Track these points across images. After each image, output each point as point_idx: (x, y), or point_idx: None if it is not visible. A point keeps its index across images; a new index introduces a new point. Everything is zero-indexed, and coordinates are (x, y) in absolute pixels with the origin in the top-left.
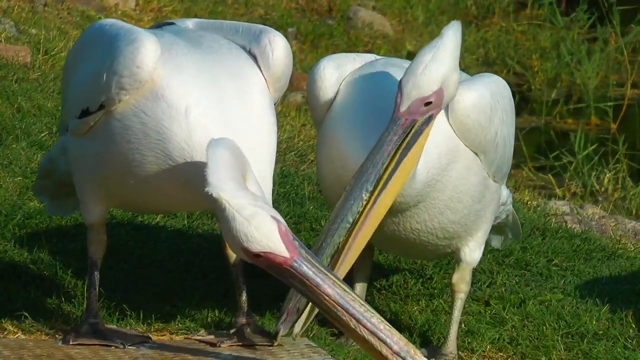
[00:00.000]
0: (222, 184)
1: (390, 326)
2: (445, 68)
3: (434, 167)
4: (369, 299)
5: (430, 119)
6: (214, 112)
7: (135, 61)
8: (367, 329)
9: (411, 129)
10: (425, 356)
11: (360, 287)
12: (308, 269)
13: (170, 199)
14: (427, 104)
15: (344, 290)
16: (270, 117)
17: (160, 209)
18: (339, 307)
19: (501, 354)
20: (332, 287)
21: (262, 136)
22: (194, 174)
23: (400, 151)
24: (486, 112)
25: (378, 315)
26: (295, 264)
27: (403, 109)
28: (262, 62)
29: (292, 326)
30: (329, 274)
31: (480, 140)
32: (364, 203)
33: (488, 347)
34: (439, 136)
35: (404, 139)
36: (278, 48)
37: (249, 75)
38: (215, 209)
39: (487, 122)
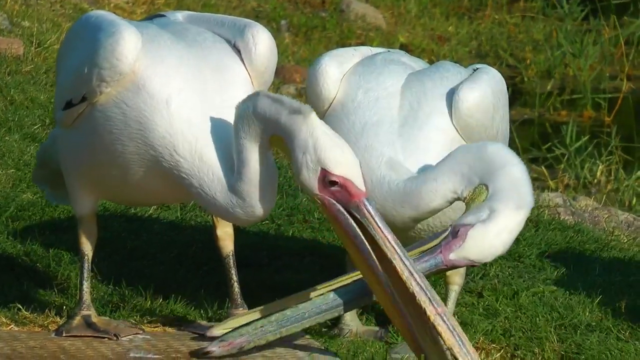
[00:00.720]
0: (308, 110)
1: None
2: (508, 246)
3: None
4: None
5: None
6: (196, 103)
7: (114, 53)
8: (417, 282)
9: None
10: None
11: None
12: (374, 208)
13: (151, 189)
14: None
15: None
16: None
17: (144, 200)
18: (397, 254)
19: (494, 345)
20: (392, 234)
21: None
22: (174, 164)
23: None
24: (489, 111)
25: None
26: (368, 202)
27: (453, 258)
28: (245, 56)
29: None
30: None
31: (483, 138)
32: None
33: (481, 338)
34: (445, 138)
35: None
36: (261, 42)
37: (232, 68)
38: (292, 135)
39: (489, 121)
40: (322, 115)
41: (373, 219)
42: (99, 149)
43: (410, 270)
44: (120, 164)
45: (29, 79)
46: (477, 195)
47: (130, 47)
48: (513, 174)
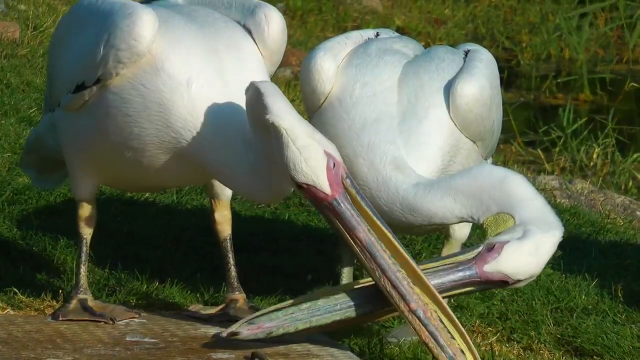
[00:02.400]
0: (282, 113)
1: (413, 286)
2: (541, 268)
3: (439, 168)
4: (358, 275)
5: (481, 288)
6: (216, 83)
7: (132, 34)
8: (391, 282)
9: (470, 284)
10: (440, 320)
11: (348, 264)
12: (346, 209)
13: (164, 172)
14: (503, 281)
15: (377, 239)
16: None
17: (152, 183)
18: (367, 253)
19: (490, 328)
20: (365, 233)
21: None
22: (196, 145)
23: (443, 290)
24: (487, 103)
25: (404, 273)
26: (335, 203)
27: (487, 270)
28: (257, 36)
29: (236, 335)
30: (368, 220)
31: (481, 130)
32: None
33: (477, 322)
34: (443, 132)
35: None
36: (274, 22)
37: (246, 47)
38: (273, 137)
39: (487, 113)
40: (317, 107)
41: (342, 218)
42: (112, 131)
43: (384, 267)
44: (136, 147)
45: (25, 62)
46: (503, 221)
47: (148, 27)
48: (537, 206)
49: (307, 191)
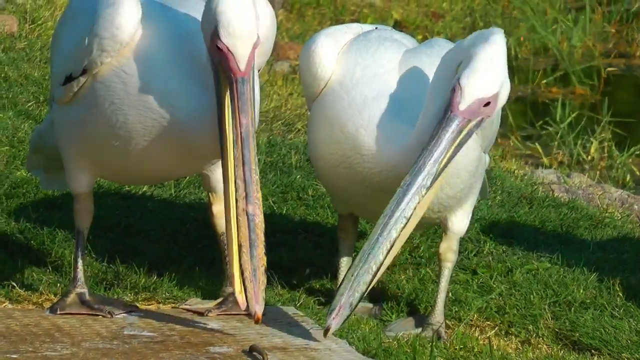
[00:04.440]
0: None
1: (259, 189)
2: (505, 73)
3: None
4: None
5: (481, 122)
6: (197, 71)
7: (114, 23)
8: (242, 174)
9: (465, 129)
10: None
11: (346, 258)
12: (247, 91)
13: (154, 161)
14: (486, 104)
15: (254, 136)
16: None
17: (144, 175)
18: (241, 140)
19: (488, 322)
20: (249, 121)
21: None
22: (174, 124)
23: (452, 150)
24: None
25: (259, 177)
26: (241, 80)
27: (463, 107)
28: None
29: (345, 322)
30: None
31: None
32: (421, 198)
33: (475, 315)
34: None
35: (458, 138)
36: (262, 13)
37: None
38: None
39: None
40: (317, 94)
41: (240, 98)
42: (100, 121)
43: (243, 160)
44: (122, 135)
45: (23, 55)
46: None
47: (130, 16)
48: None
49: (222, 55)
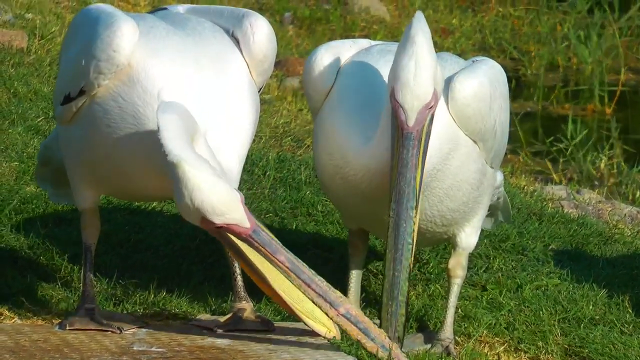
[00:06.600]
0: (183, 153)
1: (334, 289)
2: (432, 68)
3: (436, 156)
4: (365, 285)
5: (433, 117)
6: (189, 97)
7: (111, 45)
8: (315, 291)
9: (422, 135)
10: (359, 314)
11: (356, 274)
12: (265, 236)
13: (149, 184)
14: (430, 107)
15: (294, 256)
16: (248, 100)
17: (143, 195)
18: (291, 273)
19: (497, 339)
20: (284, 254)
21: (238, 121)
22: (165, 160)
23: (421, 160)
24: (486, 100)
25: (323, 279)
26: (254, 234)
27: (412, 123)
28: (243, 45)
29: (405, 330)
30: (277, 241)
31: (480, 128)
32: (414, 220)
33: (484, 332)
34: (440, 125)
35: (420, 147)
36: (259, 31)
37: (229, 58)
38: (171, 177)
39: (487, 110)
40: (319, 106)
41: (264, 248)
42: (97, 143)
43: (307, 282)
44: (116, 159)
45: (33, 71)
46: None
47: (127, 38)
48: None
49: (225, 230)
